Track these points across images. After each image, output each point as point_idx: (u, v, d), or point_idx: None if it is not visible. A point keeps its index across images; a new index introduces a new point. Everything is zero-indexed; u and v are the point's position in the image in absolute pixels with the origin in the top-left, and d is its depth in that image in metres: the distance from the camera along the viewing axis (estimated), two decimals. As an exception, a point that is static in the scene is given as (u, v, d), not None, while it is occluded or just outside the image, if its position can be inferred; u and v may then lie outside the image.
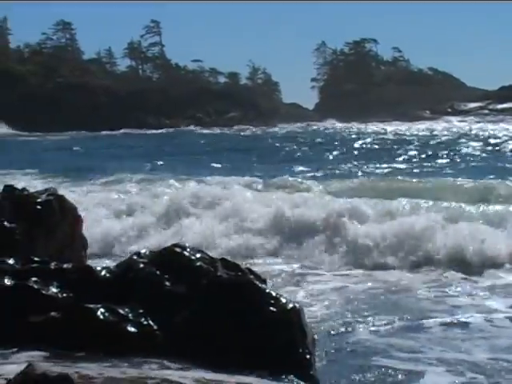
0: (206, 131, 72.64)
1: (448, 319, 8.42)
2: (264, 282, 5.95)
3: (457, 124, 77.99)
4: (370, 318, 8.44)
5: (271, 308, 5.59)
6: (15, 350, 5.28)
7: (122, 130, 72.56)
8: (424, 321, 8.29)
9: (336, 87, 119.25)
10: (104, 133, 68.49)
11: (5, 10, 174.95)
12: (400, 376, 6.64)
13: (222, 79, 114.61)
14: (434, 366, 6.87)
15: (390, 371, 6.73)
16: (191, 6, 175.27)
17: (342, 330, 8.05)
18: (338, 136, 56.56)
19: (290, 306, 5.64)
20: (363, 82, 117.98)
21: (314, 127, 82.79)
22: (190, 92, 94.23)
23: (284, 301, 5.66)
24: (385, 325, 8.21)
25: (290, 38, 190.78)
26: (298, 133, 65.47)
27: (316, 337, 5.96)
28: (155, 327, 5.54)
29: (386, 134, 59.66)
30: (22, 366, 3.77)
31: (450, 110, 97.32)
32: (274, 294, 5.71)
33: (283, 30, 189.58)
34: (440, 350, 7.36)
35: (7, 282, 5.89)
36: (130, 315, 5.56)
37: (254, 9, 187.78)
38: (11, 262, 6.28)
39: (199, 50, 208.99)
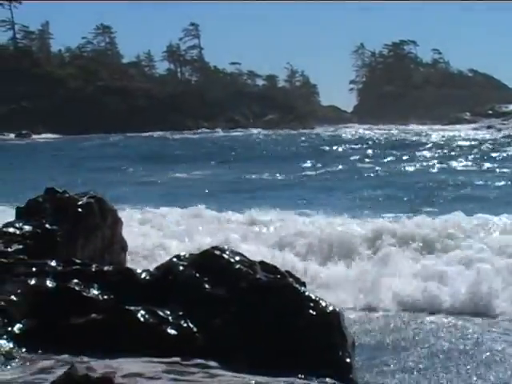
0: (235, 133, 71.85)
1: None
2: (303, 284, 5.93)
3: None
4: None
5: (311, 311, 5.57)
6: (57, 351, 5.33)
7: (158, 133, 72.92)
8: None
9: (374, 89, 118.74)
10: (143, 135, 68.87)
11: (46, 15, 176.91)
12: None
13: (259, 82, 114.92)
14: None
15: (428, 376, 6.67)
16: (229, 7, 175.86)
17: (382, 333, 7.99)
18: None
19: (330, 309, 5.62)
20: (402, 84, 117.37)
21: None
22: (228, 94, 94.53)
23: (324, 304, 5.63)
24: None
25: (328, 40, 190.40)
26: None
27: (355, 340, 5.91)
28: (195, 329, 5.56)
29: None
30: (64, 368, 3.81)
31: (490, 112, 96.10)
32: (313, 296, 5.70)
33: (321, 33, 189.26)
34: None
35: (49, 283, 5.96)
36: (169, 317, 5.59)
37: (292, 11, 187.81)
38: (53, 264, 6.35)
39: (237, 53, 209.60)
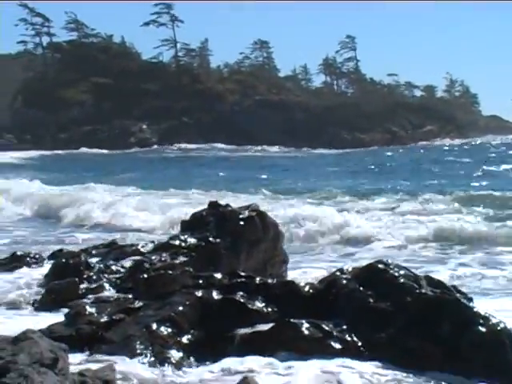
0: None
1: None
2: (470, 300, 5.76)
3: None
4: None
5: (480, 328, 5.39)
6: (225, 361, 5.41)
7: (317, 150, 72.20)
8: None
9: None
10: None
11: (205, 33, 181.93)
12: None
13: (417, 92, 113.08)
14: None
15: None
16: (384, 14, 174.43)
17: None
18: None
19: (501, 326, 5.41)
20: None
21: None
22: (385, 106, 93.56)
23: (494, 320, 5.43)
24: None
25: (489, 47, 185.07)
26: None
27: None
28: (359, 343, 5.50)
29: None
30: (235, 377, 3.85)
31: None
32: (482, 313, 5.51)
33: (482, 40, 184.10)
34: None
35: (215, 295, 6.07)
36: (334, 331, 5.56)
37: (449, 18, 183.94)
38: (219, 276, 6.48)
39: (394, 64, 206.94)
